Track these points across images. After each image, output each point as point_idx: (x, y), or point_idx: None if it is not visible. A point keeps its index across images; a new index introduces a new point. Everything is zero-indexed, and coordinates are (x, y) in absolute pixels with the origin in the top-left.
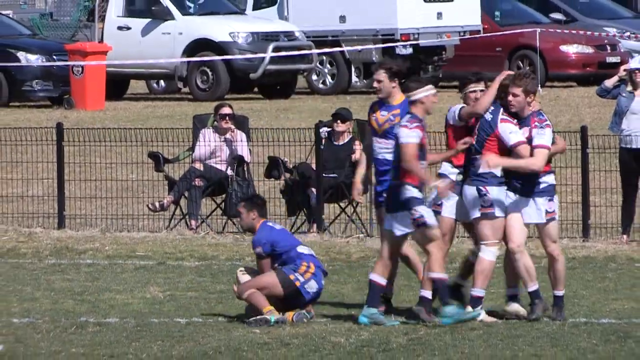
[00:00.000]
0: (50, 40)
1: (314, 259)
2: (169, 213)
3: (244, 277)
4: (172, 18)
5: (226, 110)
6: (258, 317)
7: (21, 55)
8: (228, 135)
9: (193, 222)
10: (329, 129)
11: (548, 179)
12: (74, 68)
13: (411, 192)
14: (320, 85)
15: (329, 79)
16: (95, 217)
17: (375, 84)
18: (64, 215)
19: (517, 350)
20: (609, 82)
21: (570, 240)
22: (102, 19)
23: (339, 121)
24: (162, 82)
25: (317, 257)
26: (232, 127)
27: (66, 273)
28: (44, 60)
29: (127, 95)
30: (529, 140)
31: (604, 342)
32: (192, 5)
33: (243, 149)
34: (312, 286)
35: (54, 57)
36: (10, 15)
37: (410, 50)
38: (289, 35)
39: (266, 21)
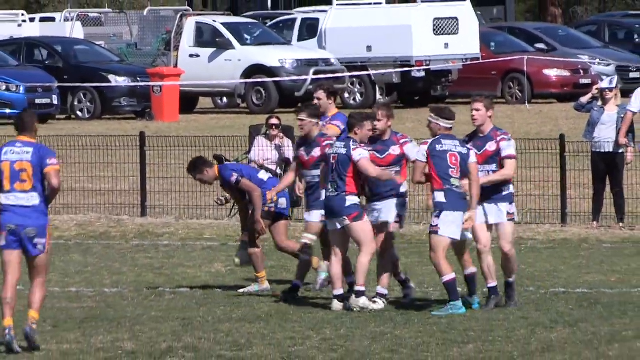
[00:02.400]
0: (134, 65)
1: (274, 181)
2: (230, 205)
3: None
4: (233, 48)
5: (275, 121)
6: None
7: (111, 77)
8: (277, 142)
9: None
10: None
11: (510, 188)
12: (154, 88)
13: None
14: (351, 102)
15: (358, 97)
16: (171, 207)
17: (315, 101)
18: (145, 206)
19: (508, 314)
20: (584, 99)
21: (551, 225)
22: (177, 48)
23: None
24: (224, 99)
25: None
26: (280, 134)
27: (147, 252)
28: (130, 81)
29: (196, 110)
30: (498, 152)
31: (578, 307)
32: (248, 37)
33: (289, 153)
34: (282, 203)
35: (138, 79)
36: (103, 45)
37: (423, 74)
38: (326, 61)
39: (308, 50)
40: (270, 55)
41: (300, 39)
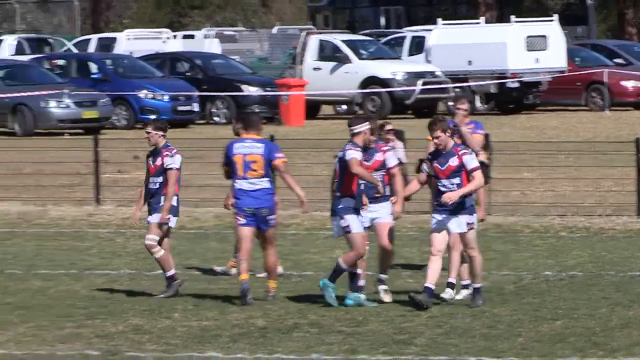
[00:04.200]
0: (265, 77)
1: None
2: None
3: None
4: (351, 62)
5: (388, 126)
6: None
7: (244, 87)
8: (391, 144)
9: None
10: None
11: (471, 200)
12: (282, 97)
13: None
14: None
15: None
16: (297, 201)
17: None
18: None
19: (591, 294)
20: None
21: (628, 217)
22: (302, 62)
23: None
24: (344, 106)
25: None
26: (394, 137)
27: (276, 240)
28: (261, 91)
29: (319, 116)
30: (461, 166)
31: None
32: (365, 52)
33: (401, 153)
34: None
35: (268, 89)
36: (237, 59)
37: (517, 85)
38: (432, 73)
39: (416, 64)
40: (384, 68)
41: (409, 54)
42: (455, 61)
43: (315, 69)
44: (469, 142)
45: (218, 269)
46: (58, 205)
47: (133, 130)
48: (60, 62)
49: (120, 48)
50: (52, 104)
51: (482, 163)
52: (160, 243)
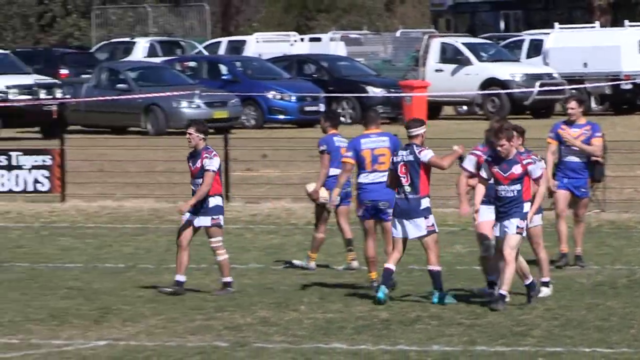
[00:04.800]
0: (389, 78)
1: None
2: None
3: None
4: (471, 64)
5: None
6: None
7: (369, 88)
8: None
9: None
10: None
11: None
12: (405, 97)
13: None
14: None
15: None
16: None
17: (569, 110)
18: None
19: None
20: None
21: None
22: (424, 64)
23: None
24: (464, 107)
25: None
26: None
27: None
28: (385, 92)
29: (441, 116)
30: (524, 174)
31: None
32: (484, 55)
33: None
34: None
35: (392, 90)
36: (362, 62)
37: (630, 86)
38: (549, 75)
39: (534, 66)
40: (503, 70)
41: (527, 56)
42: (571, 63)
43: (437, 70)
44: (586, 150)
45: (298, 262)
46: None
47: (261, 130)
48: (192, 64)
49: (249, 50)
50: (184, 104)
51: (597, 162)
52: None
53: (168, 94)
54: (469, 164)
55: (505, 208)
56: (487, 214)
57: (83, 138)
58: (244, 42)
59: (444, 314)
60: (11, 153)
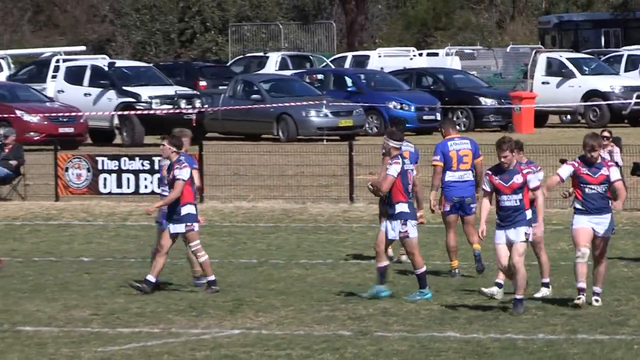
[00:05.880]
0: (499, 90)
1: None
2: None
3: None
4: (575, 77)
5: (606, 133)
6: None
7: (482, 99)
8: (608, 149)
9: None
10: None
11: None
12: (515, 107)
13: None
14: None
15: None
16: None
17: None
18: None
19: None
20: None
21: None
22: (532, 77)
23: None
24: (568, 116)
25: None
26: (612, 144)
27: None
28: (496, 102)
29: (547, 124)
30: (524, 183)
31: None
32: (587, 69)
33: (618, 157)
34: None
35: (502, 100)
36: (475, 75)
37: None
38: None
39: (632, 79)
40: (603, 83)
41: (625, 70)
42: None
43: (543, 83)
44: None
45: (403, 257)
46: (316, 203)
47: (383, 137)
48: (320, 76)
49: (372, 64)
50: (312, 113)
51: None
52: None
53: (298, 103)
54: (565, 172)
55: (510, 217)
56: (584, 222)
57: (220, 144)
58: (367, 56)
59: (548, 306)
60: (154, 158)
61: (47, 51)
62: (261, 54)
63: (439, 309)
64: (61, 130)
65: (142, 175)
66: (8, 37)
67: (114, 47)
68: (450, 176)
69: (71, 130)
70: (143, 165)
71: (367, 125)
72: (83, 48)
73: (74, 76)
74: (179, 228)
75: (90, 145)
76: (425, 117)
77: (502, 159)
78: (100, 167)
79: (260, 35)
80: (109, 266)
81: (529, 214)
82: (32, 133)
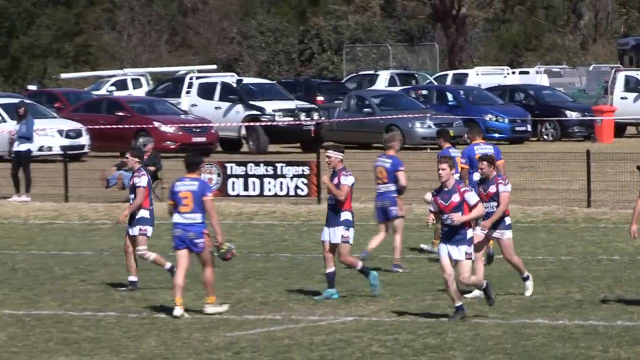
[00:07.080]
0: (583, 104)
1: None
2: None
3: None
4: None
5: None
6: None
7: (567, 112)
8: None
9: None
10: None
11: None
12: (597, 120)
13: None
14: None
15: None
16: (607, 201)
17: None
18: (590, 200)
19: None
20: None
21: None
22: (612, 93)
23: None
24: None
25: None
26: None
27: (591, 232)
28: (580, 115)
29: (625, 135)
30: (462, 202)
31: None
32: None
33: None
34: None
35: (586, 114)
36: (561, 91)
37: None
38: None
39: None
40: None
41: None
42: None
43: (622, 98)
44: None
45: (424, 246)
46: (420, 204)
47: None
48: (424, 92)
49: (470, 81)
50: (417, 125)
51: None
52: (134, 247)
53: (405, 116)
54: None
55: (450, 234)
56: None
57: None
58: (466, 74)
59: (627, 296)
60: (277, 164)
61: (181, 69)
62: (372, 72)
63: (529, 298)
64: (194, 139)
65: (266, 180)
66: (147, 57)
67: (242, 66)
68: (477, 177)
69: (203, 139)
70: (267, 170)
71: (466, 136)
72: (214, 67)
73: (206, 92)
74: (135, 231)
75: (220, 153)
76: (517, 128)
77: (440, 172)
78: (229, 172)
79: (372, 56)
80: (237, 260)
81: (469, 232)
82: (168, 142)
